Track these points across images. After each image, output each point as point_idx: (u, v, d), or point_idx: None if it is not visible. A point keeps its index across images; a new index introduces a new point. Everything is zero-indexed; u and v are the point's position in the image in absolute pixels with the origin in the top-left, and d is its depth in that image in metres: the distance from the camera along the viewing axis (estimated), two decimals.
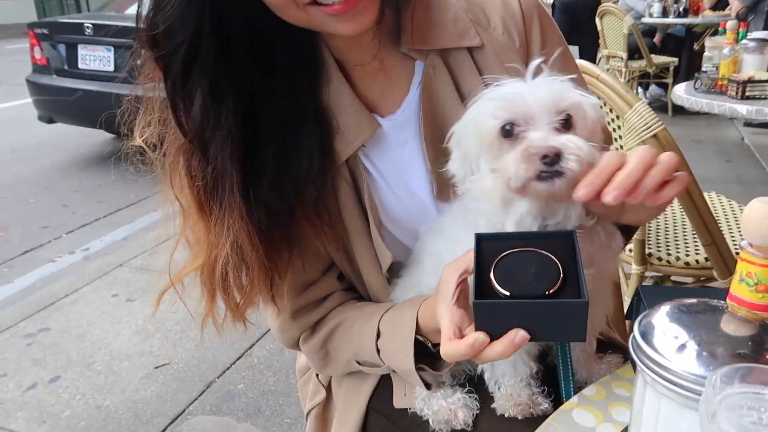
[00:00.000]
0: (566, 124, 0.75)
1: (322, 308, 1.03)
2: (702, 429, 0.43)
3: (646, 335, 0.53)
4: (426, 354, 0.92)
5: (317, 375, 1.19)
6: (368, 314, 0.99)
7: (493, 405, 0.94)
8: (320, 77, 0.94)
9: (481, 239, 0.74)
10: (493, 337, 0.71)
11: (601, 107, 0.83)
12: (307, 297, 1.01)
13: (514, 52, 0.97)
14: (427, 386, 0.94)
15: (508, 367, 0.93)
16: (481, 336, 0.71)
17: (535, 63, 0.78)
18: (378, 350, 0.95)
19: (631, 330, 0.56)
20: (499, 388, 0.95)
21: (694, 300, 0.57)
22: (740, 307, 0.56)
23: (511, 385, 0.94)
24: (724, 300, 0.60)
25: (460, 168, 0.84)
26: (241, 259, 0.89)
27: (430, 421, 0.96)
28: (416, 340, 0.91)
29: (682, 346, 0.51)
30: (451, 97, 0.96)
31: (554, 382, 0.94)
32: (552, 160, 0.71)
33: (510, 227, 0.79)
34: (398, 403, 1.05)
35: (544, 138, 0.72)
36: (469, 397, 0.97)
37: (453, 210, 0.92)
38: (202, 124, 0.83)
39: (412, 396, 1.02)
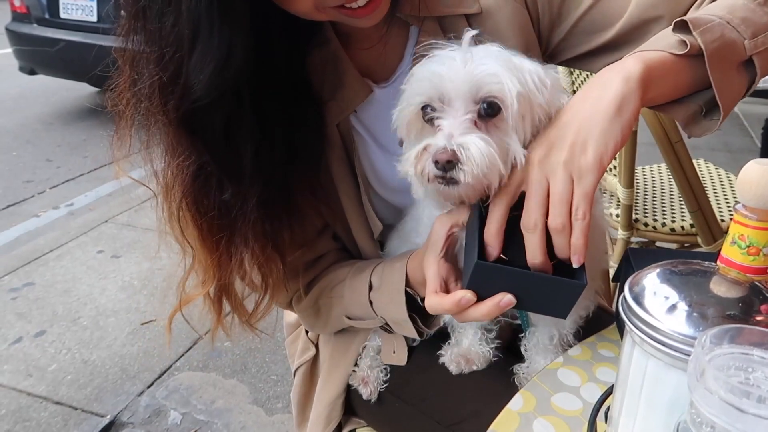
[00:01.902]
0: (490, 111, 0.69)
1: (315, 268, 1.02)
2: (690, 388, 0.43)
3: (636, 296, 0.53)
4: (417, 307, 0.92)
5: (307, 332, 1.19)
6: (359, 269, 0.99)
7: (439, 355, 0.97)
8: (313, 40, 0.92)
9: (479, 206, 0.73)
10: (480, 297, 0.71)
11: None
12: (301, 258, 1.00)
13: (520, 4, 0.94)
14: (420, 335, 0.95)
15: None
16: (469, 294, 0.71)
17: (468, 35, 0.73)
18: (371, 302, 0.95)
19: (620, 291, 0.56)
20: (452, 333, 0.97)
21: (684, 262, 0.57)
22: (731, 269, 0.56)
23: (467, 337, 0.96)
24: (714, 262, 0.60)
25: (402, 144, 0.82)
26: (260, 276, 0.89)
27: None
28: (406, 293, 0.91)
29: (672, 307, 0.51)
30: None
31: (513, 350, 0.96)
32: (443, 166, 0.67)
33: (435, 205, 0.79)
34: (386, 359, 1.06)
35: (448, 135, 0.68)
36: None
37: None
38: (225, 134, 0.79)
39: (402, 354, 1.03)
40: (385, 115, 0.97)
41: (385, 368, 1.07)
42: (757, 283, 0.53)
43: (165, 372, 2.32)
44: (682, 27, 0.74)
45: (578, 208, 0.65)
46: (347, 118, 0.94)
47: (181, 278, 0.92)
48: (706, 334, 0.45)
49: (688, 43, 0.71)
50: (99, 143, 4.74)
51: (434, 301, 0.75)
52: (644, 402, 0.54)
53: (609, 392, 0.71)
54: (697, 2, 0.84)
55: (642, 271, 0.57)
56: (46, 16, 5.10)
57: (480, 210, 0.73)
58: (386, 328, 0.98)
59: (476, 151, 0.66)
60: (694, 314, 0.50)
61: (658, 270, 0.56)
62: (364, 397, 1.06)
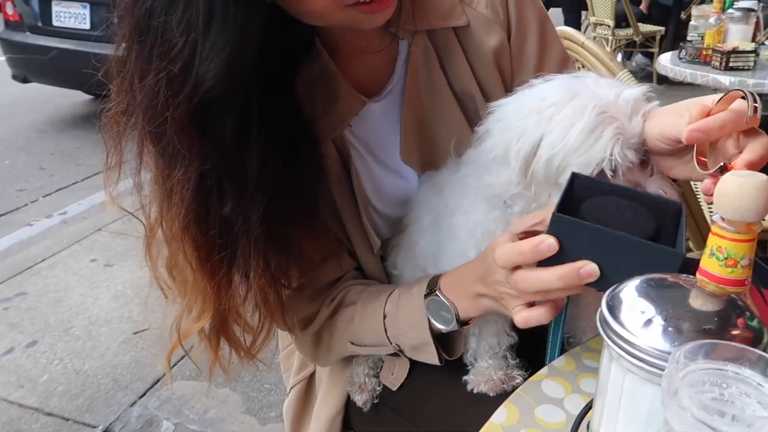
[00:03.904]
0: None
1: (320, 299, 0.99)
2: (663, 405, 0.43)
3: (613, 309, 0.52)
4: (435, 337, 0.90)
5: None
6: (372, 295, 0.96)
7: (465, 378, 0.94)
8: (303, 57, 0.91)
9: (575, 177, 0.70)
10: (558, 262, 0.65)
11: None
12: (306, 287, 0.97)
13: (498, 25, 0.96)
14: (440, 360, 0.92)
15: (493, 338, 0.93)
16: (550, 239, 0.65)
17: (638, 90, 0.74)
18: (385, 329, 0.93)
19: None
20: (475, 359, 0.95)
21: (664, 275, 0.57)
22: (709, 281, 0.56)
23: (489, 356, 0.94)
24: (691, 275, 0.59)
25: (513, 177, 0.78)
26: (262, 301, 0.85)
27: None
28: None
29: (649, 321, 0.50)
30: (438, 77, 0.95)
31: (531, 352, 0.95)
32: None
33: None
34: (384, 379, 1.04)
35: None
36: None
37: (459, 178, 0.89)
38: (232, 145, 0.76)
39: (399, 376, 1.02)
40: (379, 130, 0.97)
41: (378, 376, 1.06)
42: (735, 297, 0.53)
43: (157, 381, 2.31)
44: None
45: None
46: (342, 133, 0.94)
47: (176, 317, 0.89)
48: (681, 349, 0.45)
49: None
50: (92, 151, 4.73)
51: (507, 249, 0.70)
52: (623, 416, 0.54)
53: (590, 405, 0.71)
54: None
55: (621, 284, 0.57)
56: (39, 24, 5.09)
57: (572, 177, 0.69)
58: (397, 354, 0.96)
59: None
60: (670, 329, 0.49)
61: (636, 282, 0.56)
62: (359, 404, 1.05)
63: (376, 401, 1.05)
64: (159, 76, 0.70)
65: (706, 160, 0.69)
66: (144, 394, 2.25)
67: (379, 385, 1.06)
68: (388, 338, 0.93)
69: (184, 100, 0.70)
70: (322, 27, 0.90)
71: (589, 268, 0.65)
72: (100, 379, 2.33)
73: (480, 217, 0.85)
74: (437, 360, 0.91)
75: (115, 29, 0.76)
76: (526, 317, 0.75)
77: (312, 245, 0.94)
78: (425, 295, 0.88)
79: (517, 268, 0.71)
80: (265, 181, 0.79)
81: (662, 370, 0.48)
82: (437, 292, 0.87)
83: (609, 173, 0.72)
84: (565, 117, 0.73)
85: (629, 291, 0.54)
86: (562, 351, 0.87)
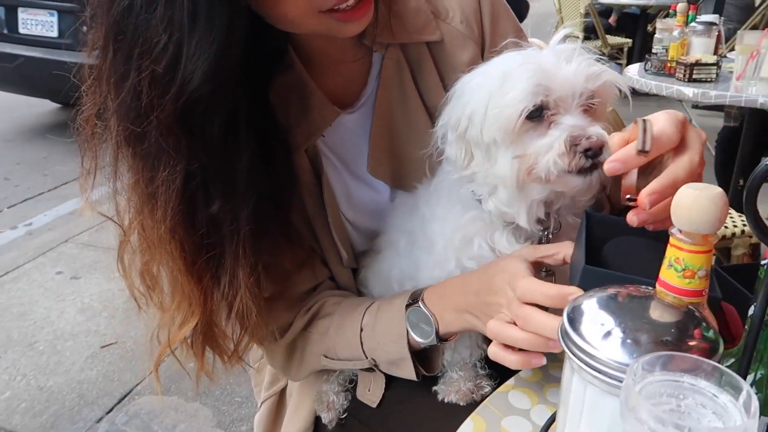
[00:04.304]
0: (593, 104, 0.73)
1: (295, 309, 0.98)
2: (622, 417, 0.43)
3: (573, 321, 0.53)
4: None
5: None
6: (349, 307, 0.96)
7: (435, 388, 0.94)
8: (275, 67, 0.90)
9: (589, 216, 0.71)
10: None
11: None
12: (281, 297, 0.96)
13: (472, 41, 0.97)
14: (417, 375, 0.91)
15: (466, 351, 0.93)
16: (578, 291, 0.65)
17: (562, 33, 0.75)
18: (361, 343, 0.92)
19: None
20: (446, 369, 0.95)
21: (624, 287, 0.57)
22: (668, 292, 0.57)
23: (459, 368, 0.94)
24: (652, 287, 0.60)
25: (460, 151, 0.80)
26: (240, 312, 0.83)
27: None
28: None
29: (608, 333, 0.51)
30: (410, 90, 0.96)
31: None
32: (594, 152, 0.69)
33: (522, 214, 0.77)
34: (361, 396, 1.03)
35: (582, 127, 0.70)
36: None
37: (432, 188, 0.89)
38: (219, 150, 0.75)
39: (376, 392, 1.01)
40: (352, 141, 0.97)
41: (348, 392, 1.05)
42: (692, 308, 0.54)
43: (125, 396, 2.26)
44: None
45: None
46: (315, 144, 0.93)
47: (157, 325, 0.86)
48: (638, 361, 0.45)
49: None
50: (60, 160, 4.64)
51: (534, 286, 0.70)
52: (584, 427, 0.54)
53: (555, 416, 0.71)
54: None
55: (582, 296, 0.57)
56: (5, 31, 4.98)
57: (587, 217, 0.70)
58: (372, 369, 0.95)
59: (608, 139, 0.69)
60: (629, 341, 0.50)
61: (597, 295, 0.56)
62: (325, 421, 1.04)
63: (344, 415, 1.04)
64: (141, 76, 0.68)
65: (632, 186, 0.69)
66: (111, 409, 2.20)
67: (346, 400, 1.05)
68: (363, 352, 0.92)
69: (170, 99, 0.68)
70: (297, 36, 0.89)
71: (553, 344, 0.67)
72: (65, 395, 2.27)
73: (456, 221, 0.84)
74: (414, 375, 0.90)
75: (87, 31, 0.74)
76: (497, 354, 0.75)
77: (284, 253, 0.93)
78: (407, 305, 0.87)
79: (529, 303, 0.72)
80: (255, 180, 0.78)
81: (621, 381, 0.48)
82: (420, 302, 0.86)
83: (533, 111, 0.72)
84: (489, 75, 0.75)
85: (590, 303, 0.55)
86: None
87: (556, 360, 0.86)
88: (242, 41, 0.70)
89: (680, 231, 0.57)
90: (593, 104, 0.74)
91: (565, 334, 0.53)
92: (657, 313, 0.54)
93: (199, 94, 0.68)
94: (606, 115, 0.77)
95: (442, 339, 0.87)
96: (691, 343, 0.50)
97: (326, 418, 1.04)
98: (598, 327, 0.52)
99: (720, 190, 0.56)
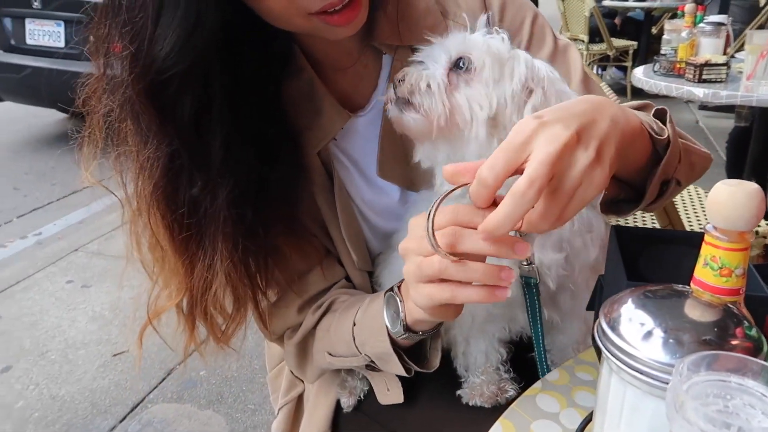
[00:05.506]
0: (465, 69, 0.79)
1: (308, 308, 0.98)
2: (668, 418, 0.42)
3: (611, 323, 0.52)
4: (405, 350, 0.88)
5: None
6: (350, 304, 0.95)
7: (458, 392, 0.93)
8: (286, 70, 0.90)
9: (618, 231, 0.72)
10: None
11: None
12: (295, 297, 0.97)
13: None
14: (408, 371, 0.88)
15: (480, 354, 0.92)
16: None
17: (483, 17, 0.83)
18: (354, 338, 0.90)
19: (596, 317, 0.55)
20: (467, 372, 0.94)
21: (659, 286, 0.57)
22: (704, 291, 0.56)
23: (480, 372, 0.93)
24: (688, 284, 0.59)
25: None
26: (230, 288, 0.85)
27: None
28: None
29: (648, 333, 0.50)
30: None
31: (524, 366, 0.94)
32: (400, 81, 0.79)
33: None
34: (383, 399, 1.02)
35: (412, 68, 0.80)
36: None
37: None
38: (197, 133, 0.77)
39: (396, 391, 1.00)
40: (365, 144, 0.96)
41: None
42: (731, 306, 0.53)
43: (138, 405, 2.25)
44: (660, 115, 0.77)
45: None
46: (327, 147, 0.93)
47: (150, 293, 0.88)
48: (684, 361, 0.44)
49: (665, 132, 0.73)
50: (68, 170, 4.65)
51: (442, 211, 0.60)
52: (624, 430, 0.53)
53: (589, 419, 0.70)
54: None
55: (616, 296, 0.56)
56: (12, 42, 5.02)
57: (616, 232, 0.71)
58: (372, 366, 0.93)
59: (438, 79, 0.77)
60: (671, 340, 0.49)
61: (633, 295, 0.56)
62: (344, 407, 1.04)
63: (365, 417, 1.03)
64: (123, 54, 0.72)
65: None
66: (124, 418, 2.19)
67: (366, 386, 1.05)
68: (356, 347, 0.90)
69: (137, 78, 0.71)
70: (303, 38, 0.89)
71: (522, 245, 0.58)
72: (77, 404, 2.26)
73: None
74: (402, 370, 0.86)
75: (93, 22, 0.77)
76: (433, 294, 0.65)
77: (294, 252, 0.93)
78: (386, 292, 0.83)
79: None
80: (231, 165, 0.79)
81: (664, 382, 0.47)
82: (395, 288, 0.81)
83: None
84: None
85: (627, 304, 0.54)
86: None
87: (581, 362, 0.85)
88: (214, 26, 0.71)
89: (715, 228, 0.57)
90: (467, 68, 0.80)
91: (603, 334, 0.52)
92: (696, 313, 0.53)
93: (166, 76, 0.70)
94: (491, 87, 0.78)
95: (409, 328, 0.80)
96: (734, 342, 0.49)
97: (345, 403, 1.04)
98: (638, 327, 0.51)
99: (756, 185, 0.55)
